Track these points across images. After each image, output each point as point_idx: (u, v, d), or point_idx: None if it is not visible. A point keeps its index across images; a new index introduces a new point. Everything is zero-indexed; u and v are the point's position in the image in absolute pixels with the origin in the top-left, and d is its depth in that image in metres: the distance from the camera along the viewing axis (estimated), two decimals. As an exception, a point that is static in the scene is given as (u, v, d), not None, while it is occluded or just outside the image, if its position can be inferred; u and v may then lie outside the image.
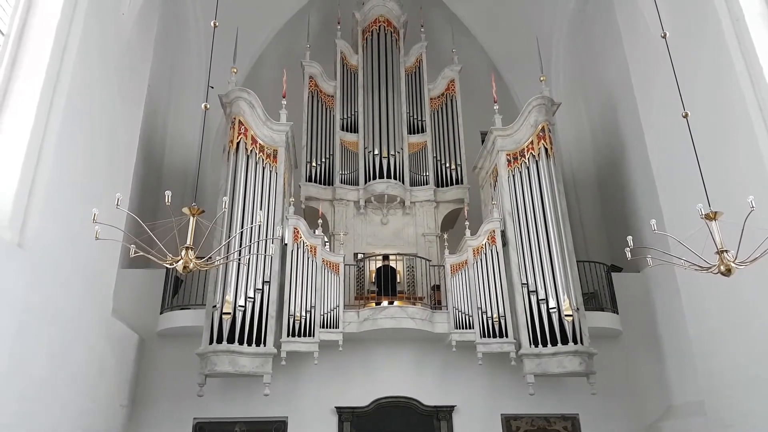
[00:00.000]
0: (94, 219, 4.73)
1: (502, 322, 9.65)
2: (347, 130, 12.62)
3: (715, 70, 8.12)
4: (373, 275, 10.75)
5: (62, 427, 7.22)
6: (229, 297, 9.03)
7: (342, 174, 12.11)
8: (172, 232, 5.27)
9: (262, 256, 9.30)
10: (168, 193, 5.02)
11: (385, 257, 10.66)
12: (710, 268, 5.36)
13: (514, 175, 10.65)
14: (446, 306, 10.02)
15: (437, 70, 13.53)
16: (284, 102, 11.00)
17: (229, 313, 8.93)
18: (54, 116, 6.94)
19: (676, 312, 9.61)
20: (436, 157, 12.60)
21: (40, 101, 6.73)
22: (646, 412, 10.26)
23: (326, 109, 12.86)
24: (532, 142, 10.67)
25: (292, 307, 9.42)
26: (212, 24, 6.35)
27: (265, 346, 9.03)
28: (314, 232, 10.08)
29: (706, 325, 8.62)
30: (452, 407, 10.04)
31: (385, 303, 9.79)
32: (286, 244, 9.88)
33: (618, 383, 10.34)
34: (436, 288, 10.64)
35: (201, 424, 9.70)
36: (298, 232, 9.96)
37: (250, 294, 9.14)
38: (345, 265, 10.19)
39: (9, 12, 6.84)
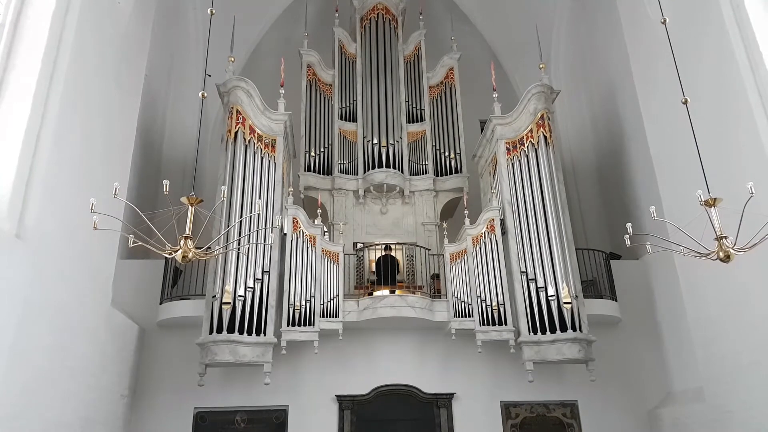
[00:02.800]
0: (92, 209, 4.71)
1: (502, 310, 9.67)
2: (346, 120, 12.57)
3: (715, 57, 8.08)
4: (373, 264, 10.76)
5: (64, 418, 7.25)
6: (229, 287, 9.04)
7: (341, 163, 12.08)
8: (171, 222, 5.26)
9: (262, 245, 9.30)
10: (166, 182, 5.00)
11: (385, 247, 10.66)
12: (709, 254, 5.37)
13: (513, 164, 10.62)
14: (446, 294, 10.04)
15: (436, 59, 13.45)
16: (282, 91, 10.94)
17: (229, 303, 8.94)
18: (51, 106, 6.90)
19: (675, 299, 9.64)
20: (436, 146, 12.57)
21: (37, 91, 6.69)
22: (645, 398, 10.31)
23: (325, 98, 12.80)
24: (531, 131, 10.64)
25: (292, 297, 9.44)
26: (209, 11, 6.30)
27: (265, 335, 9.05)
28: (313, 222, 10.08)
29: (705, 312, 8.65)
30: (452, 395, 10.09)
31: (384, 292, 9.80)
32: (285, 234, 9.87)
33: (617, 370, 10.39)
34: (436, 277, 10.65)
35: (201, 413, 9.74)
36: (297, 221, 9.95)
37: (250, 284, 9.15)
38: (344, 254, 10.20)
39: (4, 1, 6.78)
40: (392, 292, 9.79)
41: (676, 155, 9.05)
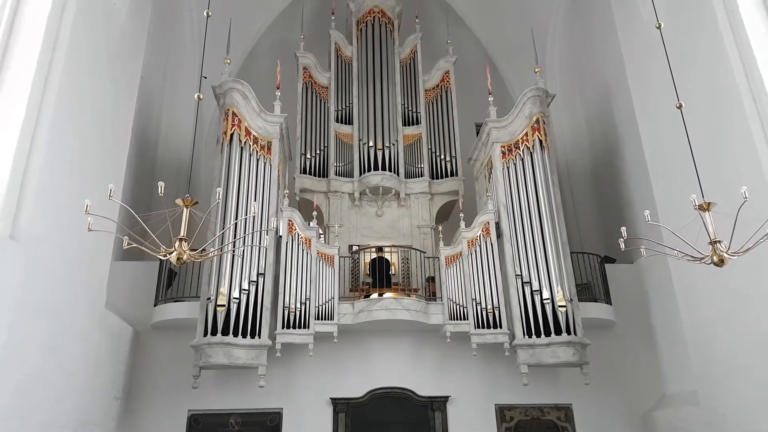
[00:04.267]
0: (86, 210, 4.70)
1: (496, 313, 9.68)
2: (342, 122, 12.58)
3: (709, 61, 8.12)
4: (368, 267, 10.75)
5: (57, 420, 7.20)
6: (224, 289, 9.01)
7: (337, 166, 12.08)
8: (166, 224, 5.24)
9: (257, 248, 9.29)
10: (161, 184, 5.01)
11: (380, 249, 10.66)
12: (703, 258, 5.39)
13: (508, 167, 10.64)
14: (441, 297, 10.04)
15: (432, 62, 13.48)
16: (278, 93, 10.94)
17: (224, 305, 8.92)
18: (46, 107, 6.87)
19: (670, 302, 9.67)
20: (431, 149, 12.60)
21: (32, 92, 6.66)
22: (639, 401, 10.33)
23: (321, 100, 12.81)
24: (526, 134, 10.66)
25: (287, 299, 9.42)
26: (205, 14, 6.30)
27: (260, 338, 9.03)
28: (309, 224, 10.07)
29: (699, 316, 8.68)
30: (446, 398, 10.09)
31: (380, 294, 9.79)
32: (280, 236, 9.87)
33: (611, 373, 10.40)
34: (431, 279, 10.65)
35: (196, 416, 9.70)
36: (292, 224, 9.95)
37: (245, 286, 9.13)
38: (340, 257, 10.19)
39: (0, 1, 6.77)
40: (381, 294, 9.77)
41: (671, 159, 9.09)
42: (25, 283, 6.39)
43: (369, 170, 11.81)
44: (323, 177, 12.03)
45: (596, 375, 9.86)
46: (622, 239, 5.68)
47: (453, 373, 10.27)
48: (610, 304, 10.59)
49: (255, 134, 10.27)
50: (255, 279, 9.25)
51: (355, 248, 11.26)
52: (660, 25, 6.66)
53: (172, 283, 10.14)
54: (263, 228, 9.50)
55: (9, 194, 6.24)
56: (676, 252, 5.69)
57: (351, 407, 9.92)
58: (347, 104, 12.77)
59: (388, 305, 9.61)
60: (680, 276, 9.10)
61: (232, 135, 10.12)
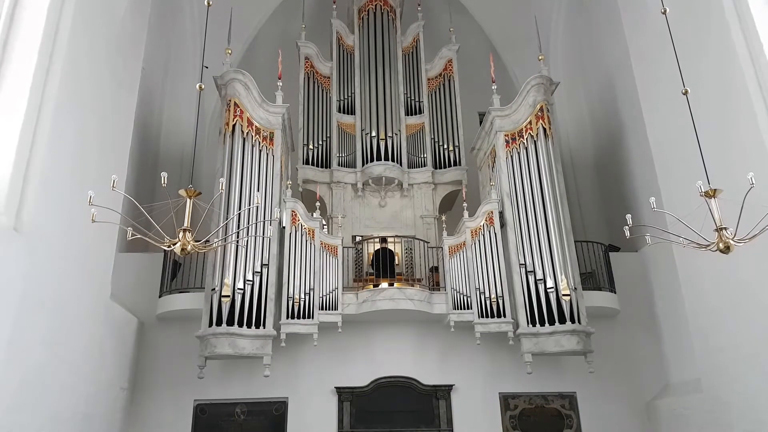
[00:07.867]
0: (90, 202, 4.68)
1: (500, 302, 9.68)
2: (344, 112, 12.53)
3: (715, 48, 8.04)
4: (372, 257, 10.75)
5: (63, 412, 7.25)
6: (228, 280, 9.03)
7: (339, 156, 12.05)
8: (170, 215, 5.24)
9: (260, 238, 9.30)
10: (164, 174, 4.99)
11: (383, 239, 10.65)
12: (709, 245, 5.35)
13: (512, 156, 10.60)
14: (444, 287, 10.04)
15: (435, 50, 13.39)
16: (280, 83, 10.89)
17: (228, 296, 8.94)
18: (48, 99, 6.85)
19: (674, 291, 9.64)
20: (434, 138, 12.54)
21: (33, 85, 6.63)
22: (643, 390, 10.34)
23: (323, 90, 12.75)
24: (530, 123, 10.61)
25: (291, 290, 9.44)
26: (206, 3, 6.25)
27: (264, 328, 9.06)
28: (312, 215, 10.06)
29: (703, 304, 8.66)
30: (451, 386, 10.11)
31: (383, 285, 9.80)
32: (284, 227, 9.87)
33: (615, 362, 10.41)
34: (435, 269, 10.65)
35: (201, 406, 9.76)
36: (296, 215, 9.94)
37: (249, 277, 9.14)
38: (343, 247, 10.19)
39: (-1, -6, 6.72)
40: (391, 284, 9.79)
41: (676, 146, 9.03)
42: (29, 276, 6.40)
43: (372, 160, 11.78)
44: (326, 167, 12.01)
45: (600, 363, 9.88)
46: (627, 227, 5.65)
47: (457, 362, 10.29)
48: (615, 293, 10.58)
49: (257, 125, 10.24)
50: (259, 270, 9.27)
51: (358, 239, 11.26)
52: (665, 11, 6.59)
53: (176, 274, 10.16)
54: (267, 219, 9.50)
55: (12, 187, 6.23)
56: (681, 239, 5.66)
57: (356, 396, 9.97)
58: (349, 94, 12.71)
59: (391, 295, 9.62)
60: (685, 264, 9.07)
61: (234, 126, 10.10)
